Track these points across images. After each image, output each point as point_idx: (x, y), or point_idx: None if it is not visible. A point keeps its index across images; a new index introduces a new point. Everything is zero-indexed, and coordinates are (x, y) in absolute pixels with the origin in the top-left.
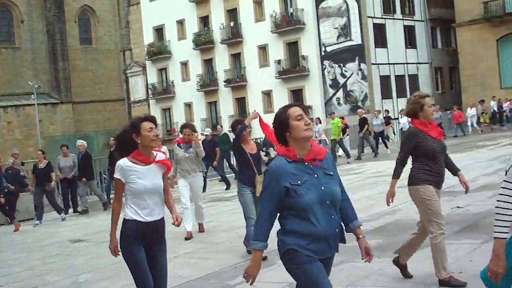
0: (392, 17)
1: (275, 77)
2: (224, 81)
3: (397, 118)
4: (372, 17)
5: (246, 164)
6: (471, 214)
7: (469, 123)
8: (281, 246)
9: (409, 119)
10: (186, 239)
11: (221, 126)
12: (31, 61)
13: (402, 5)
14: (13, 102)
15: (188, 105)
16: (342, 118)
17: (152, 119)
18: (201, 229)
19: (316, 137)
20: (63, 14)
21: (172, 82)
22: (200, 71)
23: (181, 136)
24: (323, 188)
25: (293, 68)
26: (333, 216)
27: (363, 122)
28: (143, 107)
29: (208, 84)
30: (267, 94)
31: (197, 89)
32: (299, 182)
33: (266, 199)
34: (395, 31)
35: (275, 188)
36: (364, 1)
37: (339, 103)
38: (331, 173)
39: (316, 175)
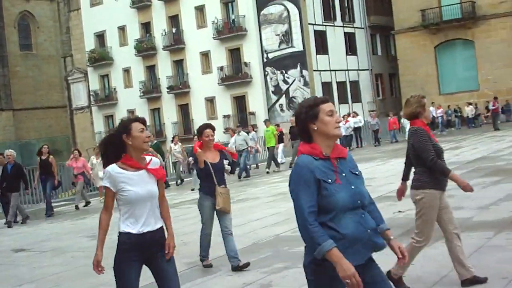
0: (332, 24)
1: (218, 83)
2: (167, 88)
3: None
4: (313, 24)
5: (205, 174)
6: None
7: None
8: (309, 252)
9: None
10: None
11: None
12: None
13: (342, 12)
14: None
15: (131, 112)
16: (278, 125)
17: (143, 121)
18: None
19: (250, 146)
20: (2, 20)
21: (114, 89)
22: (143, 78)
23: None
24: (352, 187)
25: (235, 75)
26: (363, 216)
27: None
28: (85, 114)
29: (151, 91)
30: (210, 101)
31: (140, 96)
32: (330, 180)
33: (304, 193)
34: (336, 38)
35: (310, 180)
36: (305, 8)
37: (282, 110)
38: (357, 172)
39: (344, 174)
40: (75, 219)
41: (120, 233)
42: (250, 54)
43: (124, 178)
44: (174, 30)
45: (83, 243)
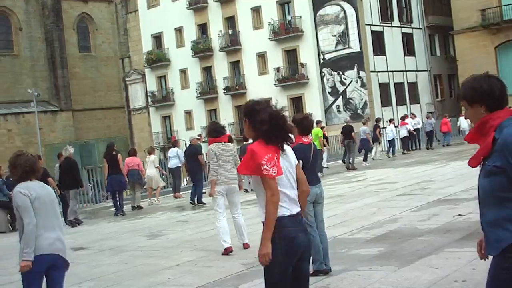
0: (390, 25)
1: (275, 84)
2: (224, 89)
3: (397, 126)
4: (370, 25)
5: None
6: (473, 222)
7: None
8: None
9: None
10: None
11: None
12: (30, 69)
13: (399, 12)
14: (12, 109)
15: (188, 113)
16: (323, 127)
17: None
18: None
19: None
20: (61, 22)
21: (171, 90)
22: (200, 79)
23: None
24: None
25: (292, 76)
26: None
27: (347, 129)
28: (143, 114)
29: (207, 92)
30: None
31: (197, 97)
32: None
33: None
34: (393, 38)
35: None
36: (362, 9)
37: (338, 111)
38: None
39: None
40: (133, 218)
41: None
42: (307, 55)
43: None
44: (230, 31)
45: (142, 242)
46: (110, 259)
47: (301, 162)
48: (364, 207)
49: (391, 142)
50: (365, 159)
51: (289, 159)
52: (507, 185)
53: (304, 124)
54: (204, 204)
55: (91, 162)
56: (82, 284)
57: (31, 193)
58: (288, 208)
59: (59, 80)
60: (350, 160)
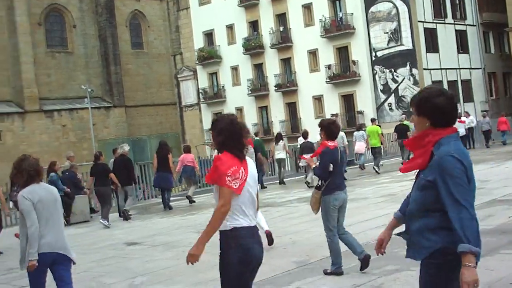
0: (443, 22)
1: (326, 82)
2: (275, 86)
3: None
4: (422, 22)
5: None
6: None
7: None
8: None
9: None
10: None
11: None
12: (84, 65)
13: (453, 9)
14: (67, 105)
15: (239, 110)
16: (379, 125)
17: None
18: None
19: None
20: (114, 19)
21: (223, 87)
22: (251, 76)
23: None
24: None
25: (343, 73)
26: None
27: (401, 129)
28: (194, 111)
29: (258, 89)
30: (318, 99)
31: (248, 94)
32: None
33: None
34: (446, 35)
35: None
36: (414, 6)
37: (391, 109)
38: None
39: None
40: (185, 214)
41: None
42: (358, 52)
43: None
44: (281, 28)
45: (194, 238)
46: (162, 254)
47: (331, 165)
48: None
49: None
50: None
51: (251, 173)
52: (436, 199)
53: (331, 129)
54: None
55: (143, 158)
56: (136, 279)
57: (34, 196)
58: (245, 220)
59: (112, 76)
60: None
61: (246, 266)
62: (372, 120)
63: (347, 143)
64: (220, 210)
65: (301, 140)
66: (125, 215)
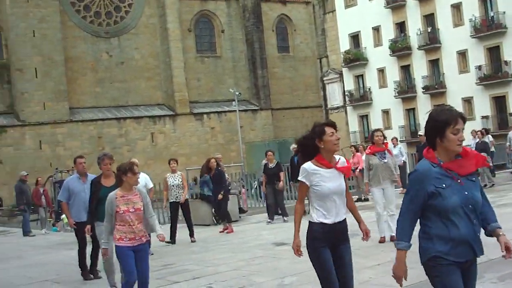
0: None
1: (476, 83)
2: (423, 88)
3: None
4: None
5: None
6: None
7: None
8: (424, 253)
9: None
10: (379, 242)
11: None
12: (231, 69)
13: None
14: (216, 108)
15: (386, 112)
16: None
17: (333, 124)
18: (392, 239)
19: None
20: (261, 24)
21: (369, 89)
22: (398, 78)
23: (370, 145)
24: (466, 193)
25: (495, 74)
26: (474, 221)
27: None
28: (340, 113)
29: (405, 91)
30: (468, 101)
31: (395, 96)
32: (444, 185)
33: (409, 200)
34: None
35: (419, 191)
36: None
37: None
38: (473, 179)
39: (459, 180)
40: None
41: (312, 222)
42: (511, 52)
43: (318, 174)
44: (429, 29)
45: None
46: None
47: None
48: None
49: None
50: None
51: None
52: None
53: None
54: None
55: (289, 159)
56: (285, 279)
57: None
58: None
59: (259, 80)
60: None
61: None
62: None
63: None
64: None
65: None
66: (283, 213)
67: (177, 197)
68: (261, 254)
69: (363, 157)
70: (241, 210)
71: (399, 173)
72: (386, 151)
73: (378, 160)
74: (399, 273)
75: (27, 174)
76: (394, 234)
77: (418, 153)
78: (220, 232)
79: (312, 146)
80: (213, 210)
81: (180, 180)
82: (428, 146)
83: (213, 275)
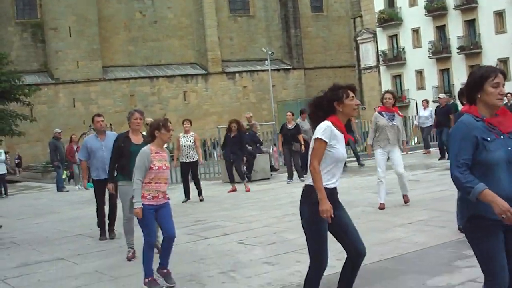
0: None
1: None
2: (457, 48)
3: None
4: None
5: None
6: None
7: None
8: (465, 212)
9: None
10: (379, 208)
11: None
12: (264, 29)
13: None
14: (248, 67)
15: (419, 72)
16: None
17: (354, 88)
18: (405, 199)
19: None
20: None
21: (403, 49)
22: (432, 38)
23: (381, 105)
24: (510, 148)
25: None
26: None
27: None
28: (373, 73)
29: (440, 51)
30: (504, 62)
31: (429, 56)
32: (489, 139)
33: (457, 152)
34: None
35: (468, 137)
36: None
37: None
38: None
39: (502, 137)
40: (364, 175)
41: (312, 186)
42: None
43: (336, 136)
44: None
45: (372, 199)
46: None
47: None
48: None
49: None
50: None
51: None
52: None
53: None
54: None
55: None
56: None
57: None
58: None
59: (292, 39)
60: None
61: None
62: None
63: None
64: None
65: None
66: (299, 174)
67: (187, 157)
68: (292, 211)
69: (373, 115)
70: (273, 168)
71: (405, 139)
72: (396, 113)
73: (386, 121)
74: (504, 208)
75: (61, 132)
76: (407, 193)
77: (438, 116)
78: (228, 192)
79: (327, 108)
80: (244, 168)
81: (192, 141)
82: (468, 103)
83: (244, 232)
